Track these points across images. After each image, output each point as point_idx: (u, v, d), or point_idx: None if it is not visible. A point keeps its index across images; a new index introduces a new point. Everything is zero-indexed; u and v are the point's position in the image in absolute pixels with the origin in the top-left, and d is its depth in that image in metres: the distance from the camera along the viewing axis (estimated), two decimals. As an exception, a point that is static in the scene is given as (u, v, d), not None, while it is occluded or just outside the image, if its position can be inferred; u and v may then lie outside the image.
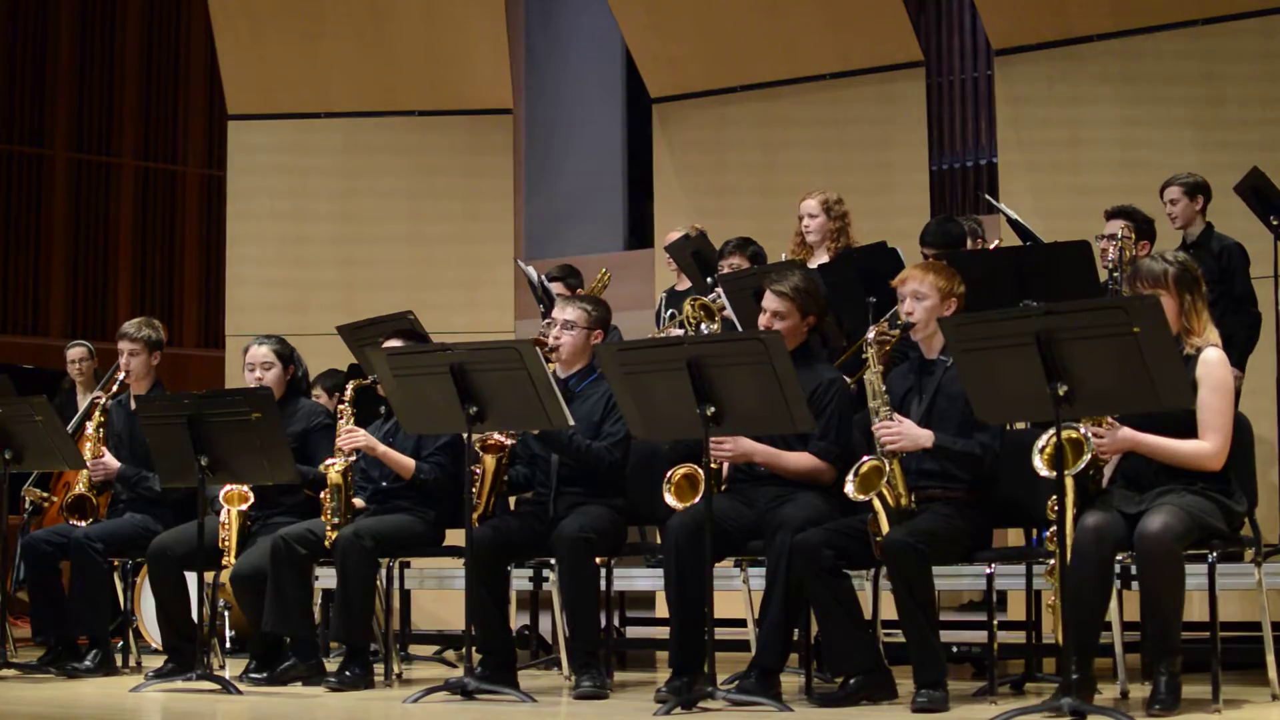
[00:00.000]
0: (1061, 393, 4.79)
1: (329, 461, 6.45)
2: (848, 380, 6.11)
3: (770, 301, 5.91)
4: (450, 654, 7.88)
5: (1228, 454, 5.08)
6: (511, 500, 6.80)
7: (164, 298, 15.20)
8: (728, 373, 5.32)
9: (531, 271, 8.33)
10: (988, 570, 5.56)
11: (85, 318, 14.70)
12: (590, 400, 6.23)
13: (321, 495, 6.44)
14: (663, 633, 5.89)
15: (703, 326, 7.31)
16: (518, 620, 7.78)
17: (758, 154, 9.96)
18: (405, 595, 7.41)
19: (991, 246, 7.56)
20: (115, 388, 7.35)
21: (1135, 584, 5.19)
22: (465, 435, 5.90)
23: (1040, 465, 5.02)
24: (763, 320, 5.90)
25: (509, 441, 6.17)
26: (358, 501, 6.61)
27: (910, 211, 9.06)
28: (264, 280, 10.36)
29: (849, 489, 5.41)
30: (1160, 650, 4.94)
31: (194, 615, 6.66)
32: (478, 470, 6.15)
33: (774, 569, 5.55)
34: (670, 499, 5.69)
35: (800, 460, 5.78)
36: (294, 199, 10.43)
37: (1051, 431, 4.93)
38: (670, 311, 8.20)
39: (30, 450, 6.91)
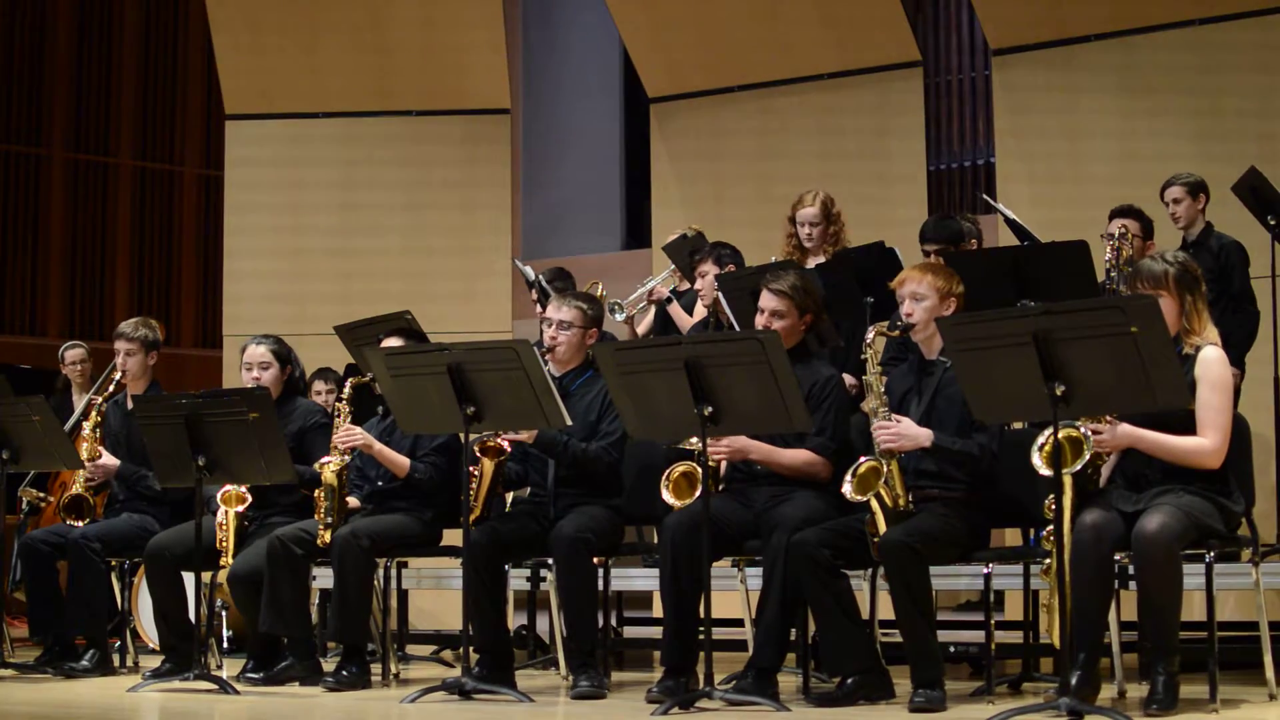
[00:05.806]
0: (1059, 393, 4.78)
1: (324, 460, 6.45)
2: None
3: (768, 300, 5.91)
4: (448, 654, 7.87)
5: (1226, 452, 5.08)
6: (508, 498, 6.79)
7: (161, 297, 15.19)
8: (725, 373, 5.32)
9: (529, 271, 8.33)
10: (985, 570, 5.56)
11: (83, 317, 14.68)
12: (586, 399, 6.22)
13: (316, 494, 6.43)
14: (660, 632, 5.88)
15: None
16: (515, 620, 7.76)
17: (755, 154, 9.94)
18: (403, 595, 7.40)
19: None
20: (111, 388, 7.35)
21: (1133, 584, 5.18)
22: (463, 435, 5.90)
23: (1040, 464, 5.00)
24: (760, 320, 5.90)
25: (508, 445, 6.15)
26: (352, 501, 6.61)
27: (908, 211, 9.04)
28: (261, 280, 10.34)
29: (846, 489, 5.40)
30: (1158, 650, 4.93)
31: (191, 615, 6.65)
32: (475, 472, 6.13)
33: (771, 568, 5.54)
34: (668, 496, 5.68)
35: (797, 456, 5.78)
36: (291, 199, 10.43)
37: (1051, 430, 4.92)
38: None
39: (28, 451, 6.90)
